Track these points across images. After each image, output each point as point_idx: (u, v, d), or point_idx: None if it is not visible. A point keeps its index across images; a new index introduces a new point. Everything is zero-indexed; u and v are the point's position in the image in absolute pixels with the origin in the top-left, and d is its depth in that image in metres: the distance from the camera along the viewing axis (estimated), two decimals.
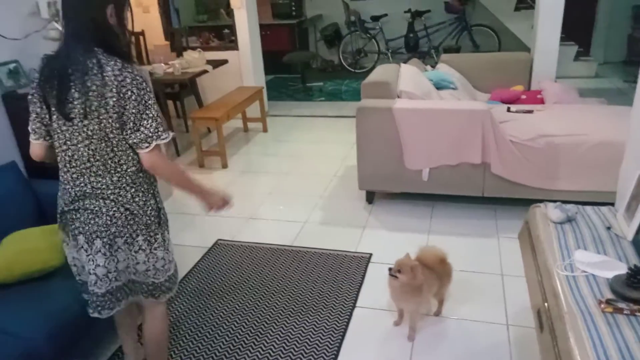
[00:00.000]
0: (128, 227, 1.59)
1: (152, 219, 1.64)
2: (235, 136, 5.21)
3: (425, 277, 2.09)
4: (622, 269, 1.33)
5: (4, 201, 2.32)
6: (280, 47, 7.28)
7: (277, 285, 2.66)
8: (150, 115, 1.50)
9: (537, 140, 2.97)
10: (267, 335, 2.30)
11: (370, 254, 2.88)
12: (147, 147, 1.51)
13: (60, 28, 2.79)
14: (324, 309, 2.45)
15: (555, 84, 4.08)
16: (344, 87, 6.85)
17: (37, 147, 1.63)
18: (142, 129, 1.50)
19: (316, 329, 2.31)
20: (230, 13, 5.47)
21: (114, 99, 1.45)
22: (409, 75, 3.54)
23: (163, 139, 1.53)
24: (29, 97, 1.57)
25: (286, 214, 3.45)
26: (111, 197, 1.56)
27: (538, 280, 1.39)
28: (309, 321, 2.37)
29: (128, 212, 1.58)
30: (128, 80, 1.46)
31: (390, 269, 2.09)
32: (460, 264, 2.72)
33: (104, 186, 1.56)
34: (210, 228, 3.32)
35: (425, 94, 3.40)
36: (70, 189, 1.59)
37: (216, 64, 5.01)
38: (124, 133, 1.51)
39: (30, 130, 1.60)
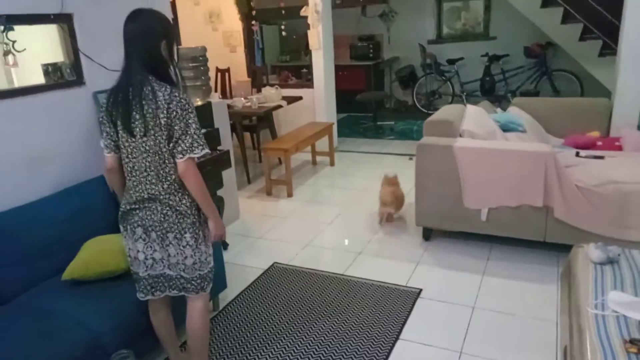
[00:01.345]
0: (178, 224, 1.87)
1: (196, 217, 1.90)
2: (303, 168, 5.43)
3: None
4: None
5: (91, 209, 2.64)
6: (356, 86, 7.54)
7: (325, 310, 2.73)
8: (189, 132, 1.78)
9: (605, 187, 2.84)
10: (308, 357, 2.36)
11: (420, 289, 2.87)
12: (181, 157, 1.78)
13: None
14: (367, 338, 2.47)
15: (636, 132, 3.87)
16: (415, 127, 6.90)
17: (110, 159, 1.96)
18: (180, 142, 1.78)
19: (357, 356, 2.34)
20: (308, 54, 5.81)
21: (165, 119, 1.75)
22: (474, 116, 3.55)
23: (195, 154, 1.80)
24: (100, 119, 1.93)
25: (342, 244, 3.54)
26: (163, 201, 1.86)
27: (568, 317, 1.36)
28: (351, 348, 2.41)
29: (177, 212, 1.86)
30: (174, 102, 1.76)
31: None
32: (514, 309, 2.63)
33: (157, 192, 1.86)
34: (270, 251, 3.48)
35: (489, 133, 3.39)
36: (132, 194, 1.89)
37: (291, 99, 5.32)
38: (169, 145, 1.79)
39: (102, 146, 1.94)
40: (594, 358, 1.13)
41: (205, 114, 3.39)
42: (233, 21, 6.19)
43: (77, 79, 2.80)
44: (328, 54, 5.67)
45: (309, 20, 5.44)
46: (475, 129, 3.31)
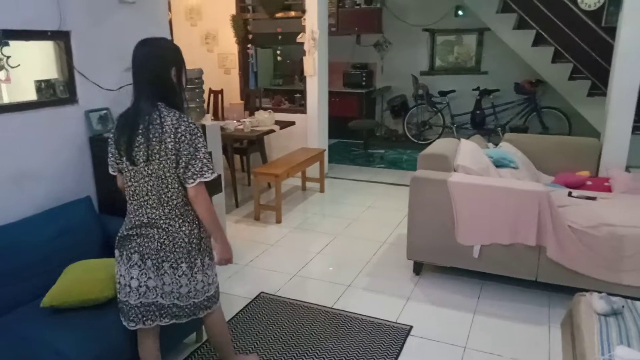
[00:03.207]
0: (174, 253, 1.89)
1: (194, 245, 1.92)
2: (293, 193, 5.38)
3: None
4: None
5: (75, 231, 2.55)
6: (348, 113, 7.57)
7: (313, 345, 2.64)
8: (198, 157, 1.81)
9: (599, 229, 2.85)
10: None
11: (411, 327, 2.81)
12: (192, 182, 1.81)
13: None
14: None
15: (625, 173, 3.92)
16: (405, 156, 6.93)
17: (118, 178, 2.01)
18: (189, 167, 1.80)
19: None
20: (303, 79, 5.83)
21: (172, 143, 1.77)
22: (468, 151, 3.56)
23: (205, 178, 1.82)
24: (109, 140, 1.96)
25: (331, 275, 3.47)
26: (163, 226, 1.87)
27: None
28: None
29: (174, 242, 1.88)
30: (183, 127, 1.79)
31: None
32: (505, 351, 2.59)
33: (157, 217, 1.87)
34: (257, 280, 3.40)
35: (483, 169, 3.39)
36: (132, 218, 1.91)
37: (284, 124, 5.30)
38: (177, 170, 1.80)
39: (109, 164, 1.98)
40: None
41: None
42: (229, 44, 6.20)
43: (70, 97, 2.75)
44: (322, 81, 5.70)
45: (305, 47, 5.47)
46: (469, 164, 3.31)
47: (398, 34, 7.86)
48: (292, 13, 5.70)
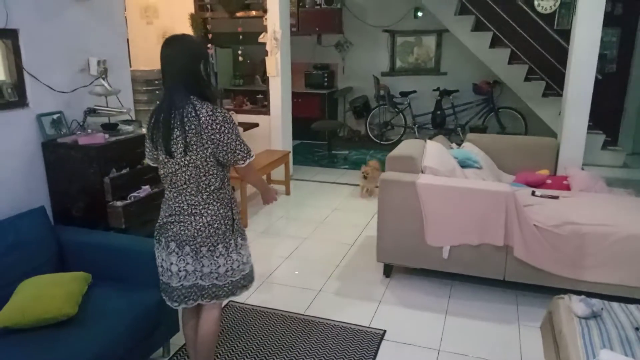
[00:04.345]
0: (210, 238, 1.99)
1: (228, 227, 2.03)
2: (258, 196, 5.25)
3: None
4: None
5: (27, 245, 2.37)
6: (310, 114, 7.52)
7: (285, 354, 2.57)
8: (241, 141, 1.96)
9: (563, 228, 2.92)
10: None
11: (384, 331, 2.78)
12: (243, 163, 1.99)
13: (106, 85, 2.97)
14: None
15: (582, 172, 4.06)
16: (368, 157, 6.94)
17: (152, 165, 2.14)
18: (237, 151, 1.95)
19: None
20: (265, 80, 5.73)
21: (209, 134, 1.87)
22: (434, 152, 3.58)
23: (252, 157, 2.02)
24: (146, 134, 2.03)
25: (301, 281, 3.40)
26: (202, 211, 1.97)
27: None
28: None
29: (210, 227, 1.98)
30: (220, 118, 1.89)
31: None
32: (478, 352, 2.60)
33: (196, 203, 1.97)
34: None
35: (450, 171, 3.41)
36: (171, 204, 2.01)
37: (247, 126, 5.19)
38: (223, 156, 1.93)
39: (146, 157, 2.10)
40: None
41: None
42: None
43: (20, 100, 2.57)
44: (286, 82, 5.61)
45: (267, 47, 5.37)
46: (437, 165, 3.33)
47: (359, 34, 7.88)
48: (253, 12, 5.59)
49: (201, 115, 1.86)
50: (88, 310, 2.14)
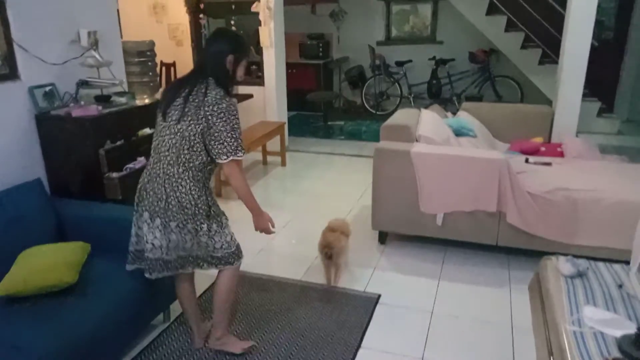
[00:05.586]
0: (180, 214, 2.00)
1: (201, 211, 2.03)
2: (254, 168, 5.29)
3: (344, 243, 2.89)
4: (631, 329, 1.30)
5: (25, 217, 2.39)
6: (306, 85, 7.47)
7: (283, 319, 2.64)
8: (234, 136, 1.96)
9: (555, 193, 2.96)
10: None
11: (379, 295, 2.85)
12: (225, 158, 1.97)
13: (97, 56, 2.94)
14: (328, 347, 2.42)
15: (576, 139, 4.08)
16: (364, 127, 6.95)
17: None
18: (225, 143, 1.95)
19: None
20: (259, 50, 5.66)
21: (207, 113, 1.92)
22: (429, 121, 3.59)
23: (239, 157, 1.99)
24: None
25: (298, 249, 3.46)
26: (174, 185, 1.99)
27: (545, 334, 1.37)
28: (312, 359, 2.34)
29: (179, 204, 1.99)
30: (224, 106, 1.94)
31: (326, 253, 2.80)
32: (470, 314, 2.68)
33: (171, 174, 1.99)
34: None
35: (444, 140, 3.43)
36: (150, 169, 2.06)
37: (241, 97, 5.16)
38: (209, 141, 1.95)
39: None
40: None
41: (154, 113, 3.17)
42: (179, 14, 5.94)
43: (11, 72, 2.54)
44: (280, 52, 5.56)
45: (261, 17, 5.30)
46: (431, 134, 3.34)
47: (353, 3, 7.76)
48: None
49: (209, 94, 1.93)
50: (88, 279, 2.19)
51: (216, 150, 1.96)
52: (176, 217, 2.00)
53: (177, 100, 1.98)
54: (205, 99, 1.93)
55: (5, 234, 2.27)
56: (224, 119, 1.93)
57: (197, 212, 2.02)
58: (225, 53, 2.02)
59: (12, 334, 1.84)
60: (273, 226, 2.26)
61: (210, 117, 1.92)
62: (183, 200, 1.99)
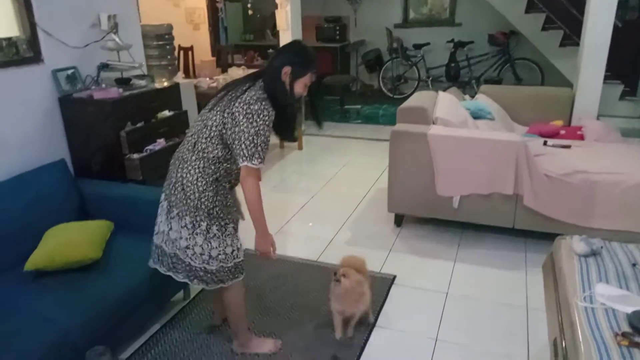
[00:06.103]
0: (181, 203, 1.94)
1: (202, 206, 1.93)
2: (271, 152, 5.34)
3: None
4: None
5: (50, 196, 2.48)
6: (322, 69, 7.43)
7: (298, 299, 2.70)
8: (254, 141, 1.84)
9: (573, 176, 2.94)
10: (283, 349, 2.33)
11: (394, 276, 2.89)
12: (241, 162, 1.87)
13: (117, 40, 2.99)
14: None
15: (596, 122, 4.02)
16: (381, 111, 6.92)
17: None
18: (242, 146, 1.84)
19: (334, 345, 2.33)
20: (275, 34, 5.67)
21: (236, 110, 1.85)
22: (446, 103, 3.57)
23: (252, 164, 1.85)
24: None
25: (314, 231, 3.51)
26: (184, 172, 1.94)
27: (557, 310, 1.38)
28: (328, 337, 2.39)
29: (183, 192, 1.94)
30: (255, 107, 1.84)
31: (335, 274, 2.23)
32: (485, 295, 2.70)
33: (185, 159, 1.96)
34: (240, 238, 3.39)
35: (461, 122, 3.42)
36: (176, 152, 2.05)
37: None
38: (228, 137, 1.88)
39: None
40: (588, 351, 1.15)
41: (172, 96, 3.24)
42: None
43: (35, 56, 2.61)
44: (296, 35, 5.54)
45: (277, 0, 5.29)
46: (448, 116, 3.33)
47: None
48: None
49: (248, 93, 1.87)
50: (112, 256, 2.27)
51: (236, 151, 1.87)
52: (178, 205, 1.95)
53: (221, 92, 1.97)
54: (242, 95, 1.87)
55: (31, 213, 2.35)
56: (250, 120, 1.83)
57: (199, 206, 1.92)
58: (280, 65, 1.92)
59: (41, 307, 1.94)
60: (274, 251, 2.09)
61: (237, 115, 1.84)
62: (187, 189, 1.93)
